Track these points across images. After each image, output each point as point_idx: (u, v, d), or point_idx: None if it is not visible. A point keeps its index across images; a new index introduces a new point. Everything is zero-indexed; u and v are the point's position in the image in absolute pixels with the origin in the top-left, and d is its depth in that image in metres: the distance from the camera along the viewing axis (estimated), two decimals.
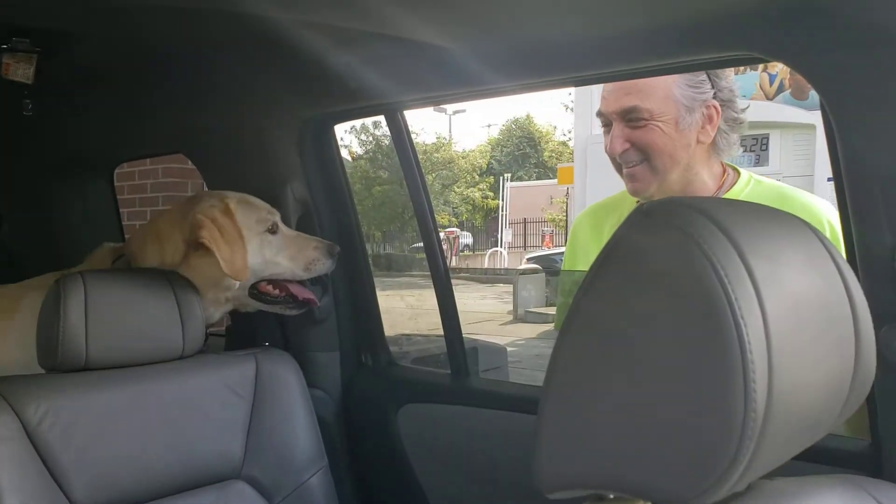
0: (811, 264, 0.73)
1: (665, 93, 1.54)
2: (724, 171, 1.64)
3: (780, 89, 5.34)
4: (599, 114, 1.64)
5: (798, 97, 5.18)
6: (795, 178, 4.94)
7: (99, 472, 1.49)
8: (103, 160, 2.73)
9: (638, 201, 1.66)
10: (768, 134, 5.01)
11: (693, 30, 1.21)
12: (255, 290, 1.86)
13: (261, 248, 1.81)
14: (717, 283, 0.63)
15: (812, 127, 4.69)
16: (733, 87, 1.60)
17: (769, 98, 5.42)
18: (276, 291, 1.87)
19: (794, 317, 0.68)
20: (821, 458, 1.05)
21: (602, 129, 1.65)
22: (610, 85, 1.60)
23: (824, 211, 1.52)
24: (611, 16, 1.28)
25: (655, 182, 1.59)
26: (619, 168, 1.63)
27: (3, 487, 1.36)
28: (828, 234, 1.27)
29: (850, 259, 1.17)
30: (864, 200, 1.14)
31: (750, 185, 1.62)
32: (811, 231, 0.77)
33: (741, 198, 1.56)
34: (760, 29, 1.15)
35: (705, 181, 1.60)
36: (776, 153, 4.99)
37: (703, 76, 1.55)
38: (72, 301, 1.51)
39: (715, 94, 1.55)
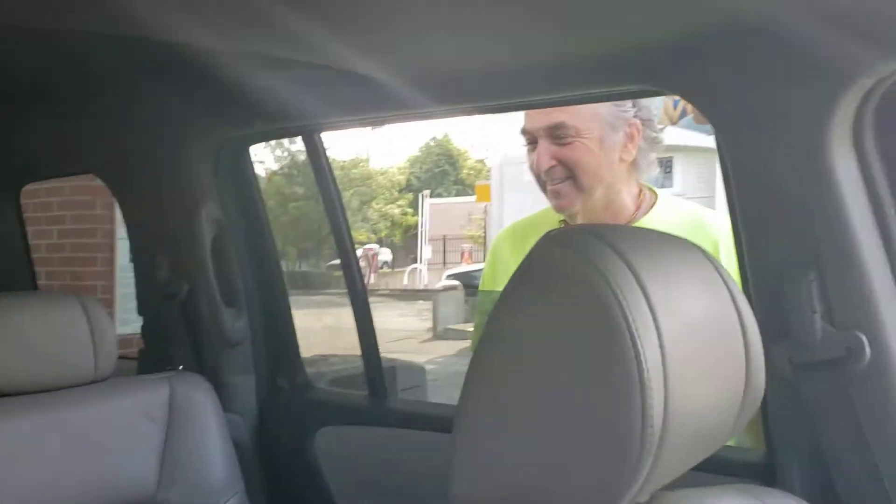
0: (704, 287, 0.78)
1: (591, 110, 1.55)
2: (641, 190, 1.65)
3: (683, 114, 5.57)
4: (524, 131, 1.63)
5: (700, 122, 5.42)
6: (697, 198, 5.16)
7: (12, 502, 1.44)
8: (10, 180, 2.63)
9: (562, 219, 1.69)
10: (672, 157, 5.24)
11: (598, 63, 1.27)
12: None
13: None
14: (615, 306, 0.67)
15: (712, 151, 4.92)
16: (651, 106, 1.64)
17: (673, 123, 5.65)
18: None
19: (688, 337, 0.73)
20: (720, 469, 1.11)
21: (526, 147, 1.64)
22: None
23: (725, 231, 1.51)
24: (521, 47, 1.33)
25: (580, 199, 1.59)
26: (543, 185, 1.63)
27: None
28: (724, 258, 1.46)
29: (743, 277, 1.25)
30: (753, 224, 1.21)
31: (667, 205, 1.66)
32: (704, 256, 0.82)
33: (661, 220, 1.61)
34: (660, 63, 1.21)
35: (625, 200, 1.62)
36: (679, 176, 5.21)
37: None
38: None
39: (636, 113, 1.58)
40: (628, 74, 1.26)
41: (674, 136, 5.32)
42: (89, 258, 4.66)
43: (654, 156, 1.63)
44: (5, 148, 2.27)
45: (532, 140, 1.62)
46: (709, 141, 5.13)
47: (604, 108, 1.55)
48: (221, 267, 1.97)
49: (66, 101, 1.90)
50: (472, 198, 20.16)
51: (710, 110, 1.19)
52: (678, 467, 0.77)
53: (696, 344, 0.73)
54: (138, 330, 2.15)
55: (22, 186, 2.73)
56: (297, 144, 23.66)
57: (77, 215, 4.59)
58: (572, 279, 0.71)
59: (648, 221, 1.61)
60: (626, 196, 1.62)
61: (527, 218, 1.87)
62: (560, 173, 1.58)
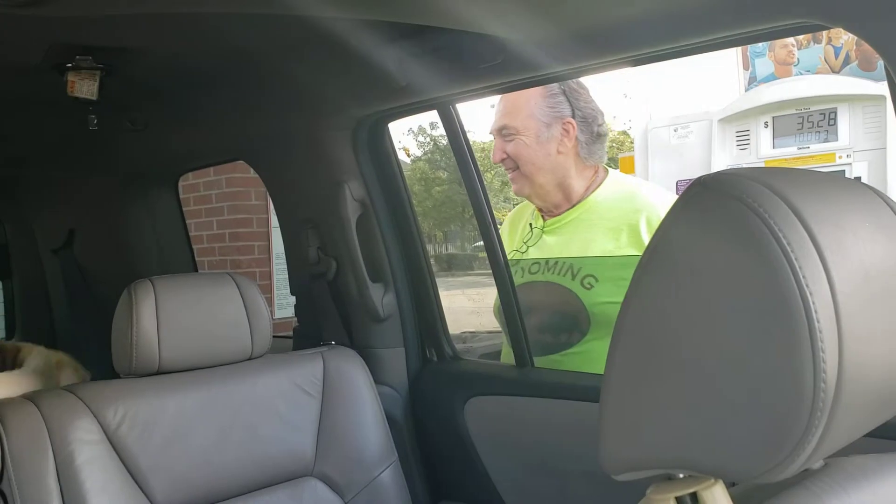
0: (881, 231, 0.70)
1: (528, 112, 1.88)
2: (595, 171, 1.95)
3: (847, 62, 5.16)
4: (490, 131, 2.00)
5: (865, 69, 4.99)
6: (866, 151, 4.75)
7: (176, 473, 1.54)
8: (167, 171, 2.81)
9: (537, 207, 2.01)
10: (836, 108, 4.83)
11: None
12: None
13: None
14: (779, 251, 0.61)
15: (882, 98, 4.50)
16: (593, 106, 1.91)
17: (835, 71, 5.24)
18: None
19: (864, 285, 0.65)
20: None
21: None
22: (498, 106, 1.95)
23: (655, 203, 1.82)
24: None
25: (528, 184, 1.95)
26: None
27: (89, 489, 1.42)
28: (643, 229, 1.78)
29: None
30: None
31: (612, 180, 1.95)
32: (878, 196, 0.74)
33: (604, 192, 1.92)
34: None
35: (573, 183, 1.92)
36: (845, 128, 4.80)
37: (560, 97, 1.88)
38: (143, 306, 1.55)
39: (574, 113, 1.88)
40: (785, 8, 1.15)
41: (837, 84, 4.92)
42: (247, 247, 4.91)
43: (598, 146, 1.92)
44: (162, 141, 2.42)
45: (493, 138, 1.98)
46: (877, 88, 4.72)
47: (538, 110, 1.87)
48: (367, 245, 2.02)
49: (213, 89, 1.99)
50: (615, 172, 19.68)
51: (879, 43, 1.07)
52: (854, 431, 0.70)
53: (873, 294, 0.66)
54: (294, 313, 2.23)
55: (178, 177, 2.91)
56: (439, 129, 23.97)
57: (233, 206, 4.84)
58: (728, 225, 0.65)
59: (594, 196, 1.92)
60: (576, 179, 1.92)
61: (523, 204, 2.18)
62: (510, 164, 1.95)
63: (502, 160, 1.94)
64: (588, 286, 1.83)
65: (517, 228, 2.09)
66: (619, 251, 1.81)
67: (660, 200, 1.85)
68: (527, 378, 1.82)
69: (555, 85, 1.88)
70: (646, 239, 1.77)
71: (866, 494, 0.74)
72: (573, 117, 1.88)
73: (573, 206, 1.93)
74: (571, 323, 1.84)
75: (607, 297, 1.78)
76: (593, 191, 1.93)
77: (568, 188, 1.93)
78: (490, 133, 2.00)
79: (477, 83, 1.66)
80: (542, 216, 2.01)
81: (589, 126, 1.90)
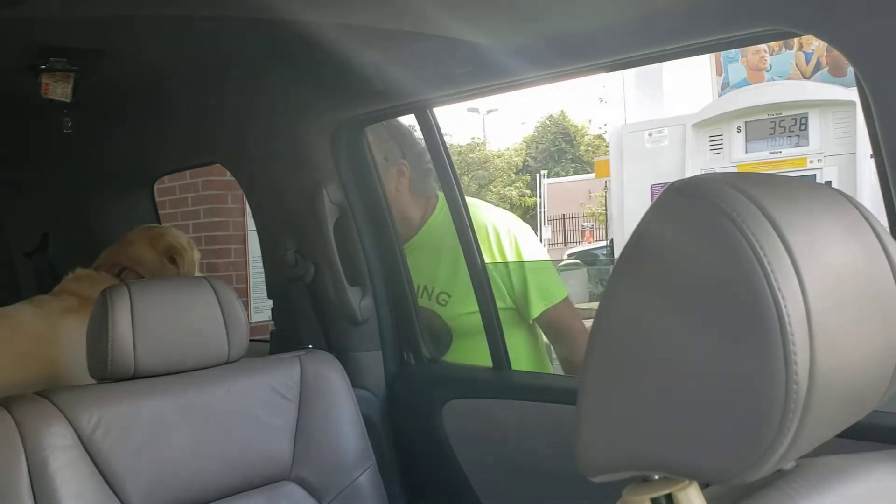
0: (851, 236, 0.72)
1: (380, 156, 2.05)
2: (428, 199, 2.11)
3: (818, 67, 5.24)
4: None
5: (836, 74, 5.06)
6: (837, 156, 4.82)
7: (152, 478, 1.52)
8: (143, 174, 2.79)
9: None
10: (807, 113, 4.91)
11: (724, 6, 1.19)
12: None
13: None
14: (751, 255, 0.62)
15: (852, 104, 4.58)
16: (421, 147, 2.03)
17: (806, 77, 5.32)
18: None
19: (835, 289, 0.66)
20: (869, 436, 1.03)
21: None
22: None
23: (490, 218, 2.02)
24: None
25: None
26: None
27: (63, 495, 1.40)
28: (493, 239, 1.97)
29: (893, 234, 1.15)
30: None
31: (442, 205, 2.03)
32: (847, 200, 0.75)
33: (439, 217, 2.06)
34: (791, 1, 1.13)
35: (410, 213, 2.10)
36: (816, 133, 4.88)
37: (393, 146, 2.07)
38: (119, 311, 1.54)
39: (405, 154, 2.07)
40: (756, 16, 1.17)
41: (808, 90, 4.99)
42: (223, 250, 4.87)
43: (430, 179, 2.07)
44: (138, 144, 2.40)
45: None
46: (847, 94, 4.79)
47: (378, 155, 2.04)
48: (345, 248, 2.02)
49: (190, 92, 1.98)
50: (591, 175, 19.79)
51: (848, 49, 1.10)
52: (826, 432, 0.71)
53: (844, 296, 0.67)
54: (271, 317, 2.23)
55: (154, 180, 2.89)
56: (416, 132, 23.96)
57: (210, 209, 4.80)
58: (702, 229, 0.66)
59: (430, 222, 2.10)
60: (413, 209, 2.11)
61: None
62: None
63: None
64: (443, 303, 2.04)
65: None
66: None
67: (497, 214, 2.09)
68: (504, 381, 1.83)
69: (383, 131, 2.07)
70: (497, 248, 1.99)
71: (838, 495, 0.76)
72: (405, 159, 2.08)
73: (415, 233, 2.11)
74: (443, 336, 2.08)
75: (462, 310, 1.98)
76: (428, 217, 2.10)
77: (407, 219, 2.10)
78: None
79: (454, 88, 1.67)
80: None
81: (420, 163, 2.08)
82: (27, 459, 1.39)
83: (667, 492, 0.71)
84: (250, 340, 1.74)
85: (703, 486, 0.74)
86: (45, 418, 1.44)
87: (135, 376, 1.57)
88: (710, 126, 5.29)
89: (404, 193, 2.10)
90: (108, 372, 1.54)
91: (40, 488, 1.38)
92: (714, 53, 5.35)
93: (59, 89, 1.73)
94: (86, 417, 1.48)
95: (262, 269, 2.22)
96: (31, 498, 1.38)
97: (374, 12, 1.37)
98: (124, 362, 1.54)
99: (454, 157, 1.95)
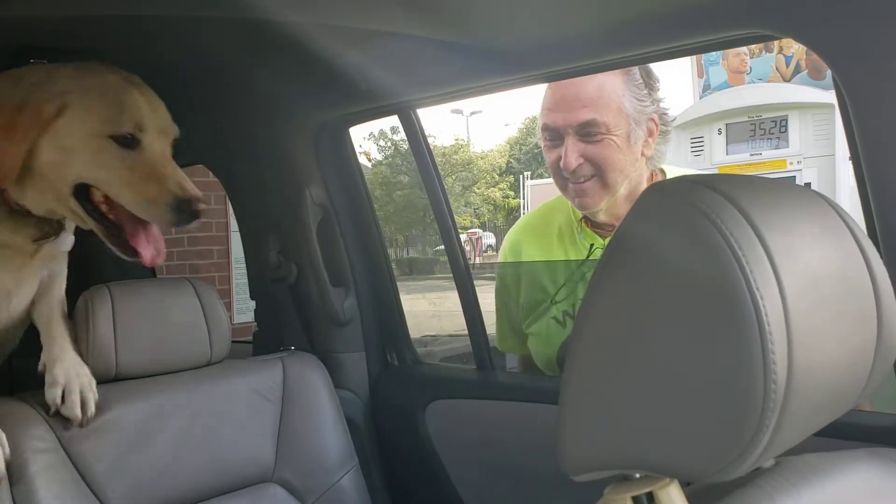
0: (829, 237, 0.73)
1: (618, 106, 1.55)
2: (653, 174, 1.67)
3: (797, 70, 5.29)
4: (547, 128, 1.61)
5: (815, 77, 5.12)
6: (816, 158, 4.87)
7: (134, 481, 1.51)
8: None
9: (581, 218, 1.68)
10: (787, 116, 4.96)
11: (702, 10, 1.21)
12: (85, 199, 1.45)
13: (95, 156, 1.41)
14: (730, 255, 0.63)
15: (830, 106, 4.64)
16: (662, 98, 1.64)
17: (786, 80, 5.38)
18: (110, 214, 1.47)
19: (813, 289, 0.67)
20: (847, 434, 1.04)
21: (545, 144, 1.63)
22: (558, 97, 1.59)
23: None
24: (620, 1, 1.28)
25: (606, 197, 1.59)
26: (563, 184, 1.62)
27: (43, 498, 1.39)
28: None
29: (871, 235, 1.16)
30: (882, 175, 1.12)
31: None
32: (829, 205, 0.76)
33: None
34: (769, 5, 1.14)
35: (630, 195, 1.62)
36: (795, 135, 4.94)
37: (645, 90, 1.58)
38: (100, 313, 1.53)
39: (656, 104, 1.60)
40: (735, 19, 1.18)
41: (788, 93, 5.05)
42: (206, 251, 4.85)
43: (664, 147, 1.64)
44: None
45: (556, 137, 1.60)
46: (825, 96, 4.84)
47: (629, 104, 1.55)
48: (328, 249, 2.01)
49: (172, 93, 1.97)
50: None
51: (826, 52, 1.11)
52: (804, 430, 0.72)
53: (822, 297, 0.68)
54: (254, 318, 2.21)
55: None
56: (400, 134, 23.97)
57: None
58: (682, 231, 0.67)
59: None
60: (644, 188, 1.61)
61: (537, 211, 1.89)
62: (586, 171, 1.58)
63: (578, 166, 1.57)
64: None
65: (546, 239, 1.78)
66: None
67: None
68: (487, 381, 1.84)
69: (635, 72, 1.58)
70: None
71: (816, 492, 0.77)
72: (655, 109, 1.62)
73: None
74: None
75: None
76: None
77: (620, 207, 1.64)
78: (546, 129, 1.63)
79: (437, 89, 1.68)
80: (596, 232, 1.70)
81: (662, 125, 1.63)
82: (6, 463, 1.37)
83: (648, 490, 0.72)
84: (233, 342, 1.73)
85: (684, 484, 0.74)
86: (24, 421, 1.43)
87: (116, 378, 1.56)
88: (692, 128, 5.33)
89: (642, 163, 1.61)
90: None
91: (20, 492, 1.37)
92: (695, 56, 5.39)
93: None
94: (66, 420, 1.47)
95: (245, 270, 2.20)
96: (10, 501, 1.36)
97: (357, 13, 1.37)
98: (105, 364, 1.53)
99: (438, 159, 1.93)
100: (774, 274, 0.64)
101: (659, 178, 1.65)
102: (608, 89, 1.55)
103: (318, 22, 1.40)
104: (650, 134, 1.59)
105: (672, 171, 1.70)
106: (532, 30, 1.41)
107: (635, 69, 1.58)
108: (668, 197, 0.70)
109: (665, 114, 1.62)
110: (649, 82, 1.60)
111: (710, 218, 0.65)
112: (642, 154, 1.59)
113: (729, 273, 0.63)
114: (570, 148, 1.56)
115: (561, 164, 1.59)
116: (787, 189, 0.75)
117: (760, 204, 0.68)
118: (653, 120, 1.59)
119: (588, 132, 1.55)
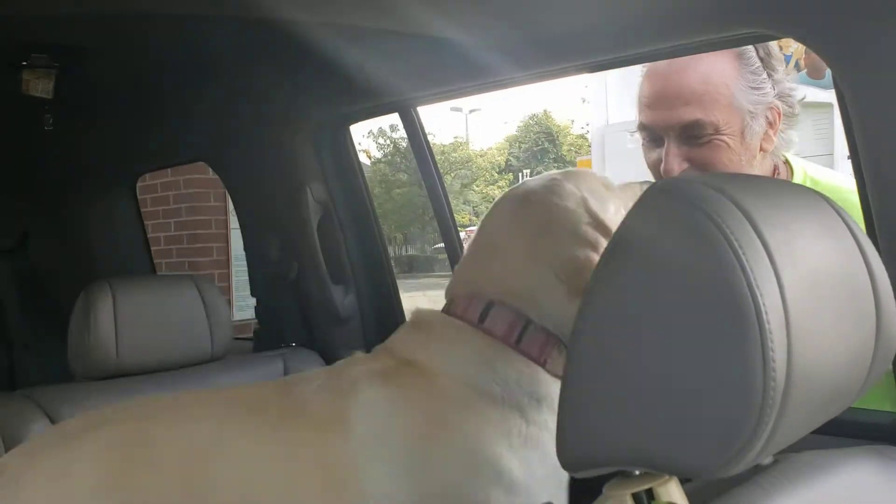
0: (828, 237, 0.73)
1: (728, 101, 1.32)
2: (775, 169, 1.43)
3: (796, 69, 5.30)
4: (644, 127, 1.41)
5: (814, 77, 5.12)
6: (815, 157, 4.89)
7: None
8: (125, 172, 2.77)
9: None
10: None
11: (701, 9, 1.21)
12: None
13: None
14: (730, 254, 0.63)
15: (829, 105, 4.65)
16: (787, 77, 1.39)
17: None
18: None
19: (812, 286, 0.68)
20: (846, 432, 1.04)
21: (644, 143, 1.43)
22: (657, 91, 1.38)
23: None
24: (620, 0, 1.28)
25: None
26: None
27: None
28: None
29: (871, 234, 1.16)
30: (881, 175, 1.13)
31: (801, 179, 1.43)
32: (829, 205, 0.76)
33: None
34: (769, 5, 1.14)
35: None
36: (794, 134, 4.97)
37: (763, 75, 1.34)
38: (100, 308, 1.53)
39: (776, 93, 1.37)
40: (736, 18, 1.19)
41: None
42: (205, 248, 4.86)
43: (792, 132, 1.40)
44: (119, 141, 2.38)
45: (656, 138, 1.39)
46: (824, 96, 4.85)
47: (742, 95, 1.33)
48: (329, 246, 2.01)
49: (171, 92, 1.97)
50: None
51: (827, 52, 1.11)
52: (802, 428, 0.72)
53: (821, 295, 0.69)
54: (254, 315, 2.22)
55: (137, 178, 2.87)
56: (399, 132, 24.00)
57: (192, 207, 4.78)
58: (683, 229, 0.67)
59: None
60: None
61: None
62: (691, 175, 1.33)
63: (682, 171, 1.35)
64: None
65: None
66: None
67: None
68: None
69: (750, 54, 1.34)
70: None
71: (814, 490, 0.77)
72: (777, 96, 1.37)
73: None
74: None
75: None
76: None
77: None
78: (644, 129, 1.41)
79: (437, 87, 1.68)
80: None
81: (786, 106, 1.39)
82: None
83: (647, 487, 0.73)
84: (234, 338, 1.74)
85: (684, 481, 0.75)
86: (25, 417, 1.43)
87: (117, 374, 1.56)
88: None
89: (766, 156, 1.39)
90: (89, 370, 1.54)
91: None
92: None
93: (40, 86, 1.71)
94: (67, 416, 1.47)
95: (245, 268, 2.21)
96: None
97: (358, 11, 1.37)
98: (106, 360, 1.53)
99: (437, 157, 1.93)
100: (774, 273, 0.64)
101: (783, 173, 1.43)
102: (716, 81, 1.32)
103: (319, 19, 1.41)
104: (771, 125, 1.36)
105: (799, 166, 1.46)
106: (532, 28, 1.41)
107: (751, 50, 1.34)
108: (668, 196, 0.70)
109: (790, 95, 1.39)
110: (770, 63, 1.35)
111: (710, 216, 0.66)
112: (761, 149, 1.36)
113: (729, 271, 0.63)
114: (671, 152, 1.35)
115: (661, 168, 1.37)
116: (786, 188, 0.76)
117: (760, 203, 0.69)
118: (773, 109, 1.35)
119: (692, 135, 1.33)
